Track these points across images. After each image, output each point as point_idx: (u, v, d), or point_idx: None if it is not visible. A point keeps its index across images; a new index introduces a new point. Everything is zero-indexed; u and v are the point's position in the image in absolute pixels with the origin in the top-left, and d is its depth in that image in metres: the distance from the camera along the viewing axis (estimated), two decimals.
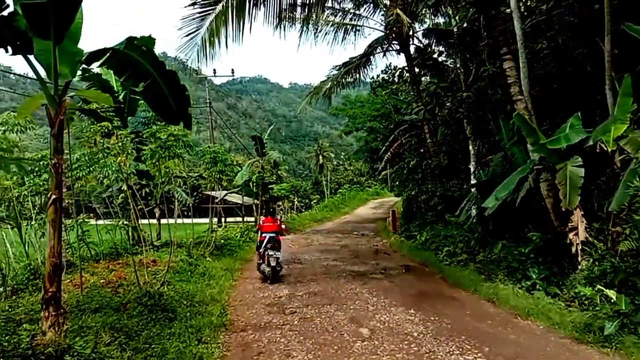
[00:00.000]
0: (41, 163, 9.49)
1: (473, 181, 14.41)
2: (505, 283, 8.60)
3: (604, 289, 6.14)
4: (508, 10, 11.94)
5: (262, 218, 11.80)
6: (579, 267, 7.85)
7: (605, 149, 7.87)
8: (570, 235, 8.05)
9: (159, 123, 10.37)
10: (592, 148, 8.17)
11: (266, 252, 10.37)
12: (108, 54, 5.26)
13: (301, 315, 7.54)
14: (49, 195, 5.10)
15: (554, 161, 8.34)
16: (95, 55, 5.24)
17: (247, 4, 10.01)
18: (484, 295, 8.41)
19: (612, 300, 5.92)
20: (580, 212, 7.94)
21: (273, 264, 10.23)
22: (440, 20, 19.75)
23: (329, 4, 17.17)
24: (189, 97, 6.04)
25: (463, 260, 11.08)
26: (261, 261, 10.64)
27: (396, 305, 8.08)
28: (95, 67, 6.66)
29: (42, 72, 5.21)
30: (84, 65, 6.03)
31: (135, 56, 5.37)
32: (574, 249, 8.02)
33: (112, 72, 13.91)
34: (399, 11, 14.15)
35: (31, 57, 5.07)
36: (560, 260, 8.53)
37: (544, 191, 9.29)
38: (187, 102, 6.02)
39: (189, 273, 10.32)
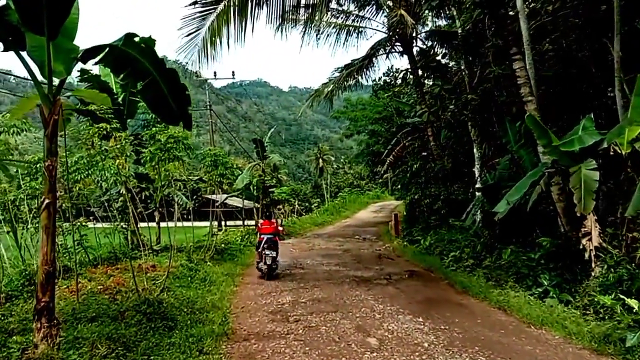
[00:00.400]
0: (38, 166, 9.23)
1: (478, 185, 14.17)
2: (515, 290, 8.33)
3: (626, 298, 5.87)
4: (511, 13, 11.79)
5: (261, 221, 12.69)
6: (593, 274, 7.58)
7: (620, 151, 7.62)
8: (584, 241, 7.78)
9: (158, 125, 10.13)
10: (605, 151, 7.91)
11: (263, 252, 11.24)
12: (105, 51, 5.03)
13: (306, 323, 7.25)
14: (41, 200, 4.85)
15: (567, 164, 8.08)
16: (91, 52, 5.01)
17: (250, 4, 9.74)
18: (494, 302, 8.13)
19: (635, 310, 5.65)
20: (593, 217, 7.68)
21: (269, 262, 11.16)
22: (442, 22, 19.61)
23: (332, 5, 16.93)
24: (189, 97, 5.81)
25: (469, 266, 10.80)
26: (259, 260, 11.48)
27: (403, 312, 7.81)
28: (91, 65, 6.34)
29: (36, 70, 4.97)
30: (82, 66, 5.81)
31: (134, 54, 5.15)
32: (587, 255, 7.73)
33: (111, 73, 13.80)
34: (403, 12, 13.93)
35: (24, 54, 4.83)
36: (572, 266, 8.26)
37: (555, 195, 9.03)
38: (187, 102, 5.79)
39: (189, 278, 10.06)
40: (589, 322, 6.40)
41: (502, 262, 9.75)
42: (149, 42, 5.26)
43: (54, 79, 4.91)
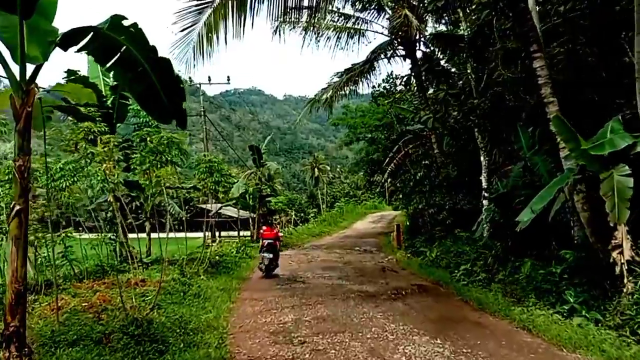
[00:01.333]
0: None
1: (486, 194, 13.55)
2: (540, 308, 7.63)
3: None
4: None
5: (264, 227, 14.78)
6: (625, 290, 6.91)
7: None
8: (614, 254, 7.11)
9: (149, 128, 9.44)
10: (636, 155, 7.30)
11: (262, 254, 13.27)
12: (89, 36, 4.36)
13: (312, 346, 6.52)
14: (11, 206, 4.13)
15: (596, 170, 7.43)
16: (72, 37, 4.34)
17: None
18: (517, 321, 7.43)
19: None
20: (625, 227, 7.04)
21: (266, 262, 13.17)
22: (442, 28, 19.16)
23: (334, 7, 16.39)
24: (183, 90, 5.14)
25: (482, 280, 10.13)
26: (261, 260, 13.35)
27: (418, 333, 7.10)
28: (73, 53, 5.61)
29: (7, 55, 4.28)
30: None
31: (121, 40, 4.47)
32: (617, 270, 7.08)
33: (101, 76, 13.12)
34: (407, 12, 13.40)
35: None
36: (600, 281, 7.60)
37: (579, 204, 8.38)
38: (181, 96, 5.10)
39: (182, 294, 9.33)
40: (630, 345, 5.73)
41: (520, 276, 9.09)
42: (138, 28, 4.61)
43: (28, 65, 4.22)
